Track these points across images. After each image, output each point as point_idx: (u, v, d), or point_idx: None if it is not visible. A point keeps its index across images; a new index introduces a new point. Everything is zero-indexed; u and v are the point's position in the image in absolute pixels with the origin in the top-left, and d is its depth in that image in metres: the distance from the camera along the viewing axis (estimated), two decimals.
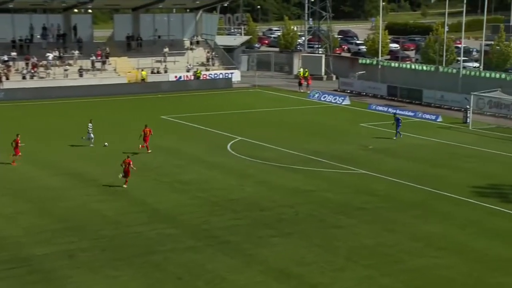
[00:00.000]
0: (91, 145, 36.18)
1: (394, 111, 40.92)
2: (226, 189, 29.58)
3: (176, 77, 61.79)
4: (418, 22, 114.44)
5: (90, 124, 36.51)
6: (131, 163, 29.23)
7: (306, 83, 59.83)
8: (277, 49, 77.68)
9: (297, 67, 66.70)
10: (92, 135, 36.24)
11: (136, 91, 57.80)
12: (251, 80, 63.84)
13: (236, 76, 64.29)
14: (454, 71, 53.08)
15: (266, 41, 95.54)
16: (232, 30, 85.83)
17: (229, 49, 69.07)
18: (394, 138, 39.47)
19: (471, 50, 74.73)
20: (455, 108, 49.87)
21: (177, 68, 62.85)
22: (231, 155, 35.91)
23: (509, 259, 21.63)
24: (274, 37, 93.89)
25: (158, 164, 33.41)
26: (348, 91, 58.76)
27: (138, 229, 24.31)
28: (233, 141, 39.11)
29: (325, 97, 55.25)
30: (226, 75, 63.65)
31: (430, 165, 33.66)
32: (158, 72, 62.04)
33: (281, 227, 24.68)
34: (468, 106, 44.97)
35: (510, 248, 22.51)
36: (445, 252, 22.22)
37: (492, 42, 58.97)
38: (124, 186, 29.13)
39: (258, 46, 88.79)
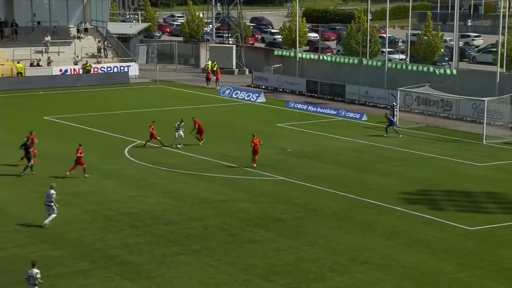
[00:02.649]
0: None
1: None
2: (124, 202, 29.36)
3: (61, 70, 60.64)
4: (339, 9, 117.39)
5: None
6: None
7: (215, 77, 60.12)
8: (181, 39, 77.43)
9: (205, 60, 66.91)
10: None
11: (11, 87, 56.18)
12: (151, 75, 63.53)
13: (133, 69, 63.82)
14: (379, 64, 54.99)
15: (168, 29, 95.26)
16: (128, 16, 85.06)
17: (125, 38, 68.42)
18: (399, 136, 41.52)
19: (396, 40, 77.57)
20: (381, 105, 51.64)
21: (62, 60, 61.61)
22: (129, 162, 35.65)
23: (439, 272, 22.70)
24: (177, 24, 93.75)
25: (41, 174, 32.70)
26: (263, 87, 59.58)
27: (16, 251, 23.73)
28: (131, 146, 38.85)
29: (237, 93, 55.76)
30: (122, 68, 63.13)
31: (353, 170, 34.76)
32: (38, 65, 60.56)
33: (188, 243, 24.80)
34: (394, 103, 46.68)
35: (440, 260, 23.63)
36: (369, 266, 23.03)
37: (419, 32, 61.36)
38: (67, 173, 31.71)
39: (158, 35, 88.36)
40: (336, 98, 54.82)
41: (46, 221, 25.86)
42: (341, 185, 32.03)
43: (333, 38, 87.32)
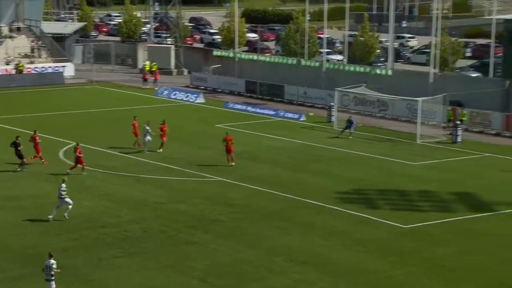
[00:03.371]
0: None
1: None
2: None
3: None
4: (277, 9, 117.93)
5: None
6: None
7: (153, 78, 59.76)
8: (118, 39, 76.56)
9: (143, 60, 66.30)
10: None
11: None
12: (87, 75, 62.62)
13: (69, 70, 62.89)
14: (317, 64, 55.52)
15: (105, 29, 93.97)
16: (63, 15, 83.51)
17: (60, 38, 67.15)
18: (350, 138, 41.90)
19: (334, 41, 78.48)
20: (319, 106, 52.15)
21: None
22: (64, 164, 35.15)
23: (375, 271, 23.09)
24: (114, 24, 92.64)
25: None
26: (202, 88, 59.43)
27: None
28: (66, 148, 38.27)
29: (175, 94, 55.48)
30: (57, 68, 62.10)
31: (292, 170, 35.03)
32: None
33: (126, 246, 24.59)
34: (332, 104, 47.22)
35: (377, 259, 24.03)
36: (307, 267, 23.25)
37: (356, 33, 62.25)
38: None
39: (95, 34, 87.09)
40: (275, 99, 55.07)
41: (65, 214, 27.01)
42: (279, 185, 32.23)
43: (272, 38, 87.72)
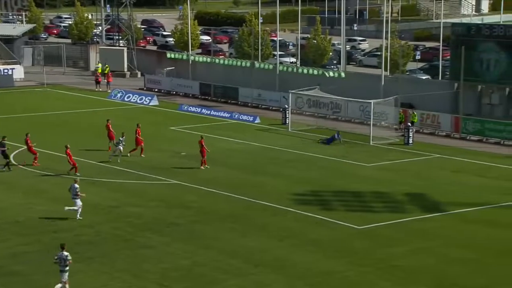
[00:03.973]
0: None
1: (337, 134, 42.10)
2: (10, 209, 28.53)
3: None
4: (230, 12, 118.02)
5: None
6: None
7: (105, 80, 59.22)
8: (69, 41, 75.47)
9: (95, 62, 65.63)
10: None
11: None
12: (38, 78, 61.68)
13: (18, 72, 61.88)
14: (271, 67, 55.74)
15: (55, 31, 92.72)
16: (11, 17, 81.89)
17: (8, 40, 65.97)
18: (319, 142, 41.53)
19: (287, 43, 78.86)
20: (274, 108, 52.37)
21: None
22: (15, 168, 34.57)
23: (331, 271, 23.35)
24: (64, 26, 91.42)
25: None
26: (156, 90, 59.06)
27: None
28: (17, 152, 37.68)
29: (129, 97, 55.07)
30: (5, 71, 60.99)
31: (247, 172, 35.15)
32: None
33: (80, 250, 24.34)
34: (286, 106, 47.50)
35: (332, 260, 24.30)
36: (263, 268, 23.39)
37: (309, 36, 62.74)
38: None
39: (45, 36, 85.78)
40: (229, 101, 55.11)
41: (78, 215, 27.52)
42: (235, 187, 32.31)
43: (225, 41, 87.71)
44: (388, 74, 52.05)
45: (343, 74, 52.65)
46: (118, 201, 30.00)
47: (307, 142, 42.45)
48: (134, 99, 54.56)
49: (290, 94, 47.55)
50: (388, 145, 42.14)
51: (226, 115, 49.73)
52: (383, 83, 48.80)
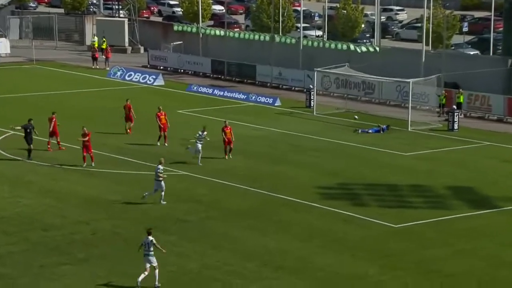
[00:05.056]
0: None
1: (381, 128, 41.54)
2: None
3: None
4: None
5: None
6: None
7: (103, 56, 59.41)
8: (61, 11, 75.70)
9: (91, 36, 65.88)
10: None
11: None
12: (26, 53, 62.17)
13: (3, 47, 62.43)
14: (294, 41, 55.70)
15: None
16: None
17: None
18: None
19: (312, 14, 78.70)
20: (296, 89, 52.35)
21: None
22: (0, 156, 34.87)
23: (362, 276, 23.36)
24: None
25: None
26: (161, 68, 59.29)
27: None
28: (2, 137, 37.95)
29: (130, 75, 55.26)
30: None
31: (266, 162, 35.20)
32: None
33: (73, 251, 24.56)
34: (311, 86, 47.46)
35: (362, 262, 24.31)
36: (283, 272, 23.44)
37: (337, 5, 62.56)
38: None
39: (34, 5, 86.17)
40: (245, 81, 55.16)
41: (161, 200, 29.02)
42: (252, 179, 32.37)
43: (241, 11, 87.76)
44: (430, 49, 51.78)
45: (377, 49, 52.44)
46: (119, 195, 30.17)
47: (335, 128, 42.35)
48: (136, 78, 54.73)
49: (316, 73, 47.53)
50: (429, 131, 41.99)
51: (242, 96, 49.76)
52: (424, 59, 48.58)
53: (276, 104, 48.06)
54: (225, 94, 50.51)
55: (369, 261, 24.36)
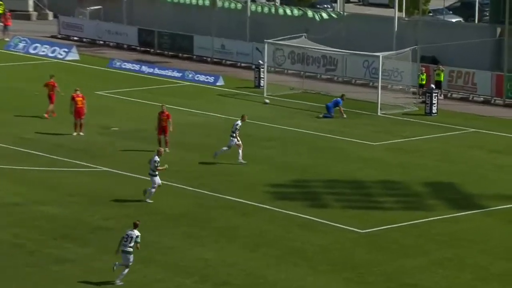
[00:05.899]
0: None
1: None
2: None
3: None
4: None
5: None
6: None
7: (1, 24, 59.01)
8: None
9: None
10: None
11: None
12: None
13: None
14: (239, 6, 55.59)
15: None
16: None
17: None
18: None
19: None
20: (243, 65, 52.38)
21: None
22: None
23: None
24: None
25: None
26: (76, 39, 58.93)
27: None
28: None
29: (36, 48, 54.93)
30: None
31: (207, 155, 35.04)
32: None
33: None
34: (261, 62, 47.43)
35: (323, 276, 24.30)
36: None
37: None
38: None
39: None
40: (180, 55, 55.03)
41: (148, 198, 29.68)
42: (190, 176, 32.29)
43: None
44: (404, 16, 52.14)
45: (340, 16, 52.58)
46: (21, 197, 29.86)
47: (290, 113, 42.41)
48: (43, 51, 54.30)
49: (266, 45, 47.46)
50: (402, 115, 42.36)
51: (177, 74, 49.62)
52: (396, 28, 48.88)
53: (218, 84, 48.00)
54: (155, 72, 50.28)
55: (332, 274, 24.44)
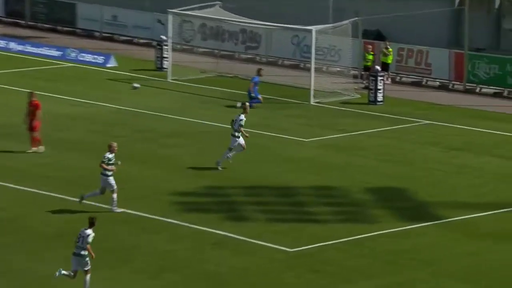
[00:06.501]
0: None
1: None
2: None
3: None
4: None
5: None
6: None
7: None
8: None
9: None
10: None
11: None
12: None
13: None
14: None
15: None
16: None
17: None
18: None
19: None
20: (142, 41, 52.53)
21: None
22: None
23: None
24: None
25: None
26: None
27: None
28: None
29: None
30: None
31: (93, 156, 34.63)
32: None
33: None
34: (164, 37, 47.37)
35: None
36: None
37: None
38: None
39: None
40: (60, 28, 54.73)
41: (114, 207, 30.24)
42: (69, 183, 32.29)
43: None
44: None
45: None
46: None
47: (201, 102, 42.57)
48: None
49: (171, 16, 47.35)
50: (341, 104, 42.80)
51: (55, 53, 49.52)
52: None
53: (109, 65, 48.00)
54: (27, 50, 50.03)
55: None
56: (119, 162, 30.14)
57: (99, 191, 30.42)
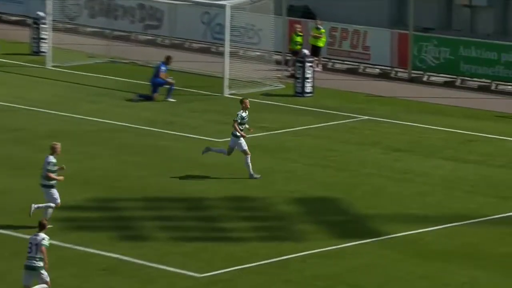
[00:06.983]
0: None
1: None
2: None
3: None
4: None
5: None
6: None
7: None
8: None
9: None
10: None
11: None
12: None
13: None
14: None
15: None
16: None
17: None
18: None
19: None
20: (13, 18, 53.66)
21: None
22: None
23: None
24: None
25: None
26: None
27: None
28: None
29: None
30: None
31: None
32: None
33: None
34: (41, 14, 47.18)
35: None
36: None
37: None
38: None
39: None
40: None
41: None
42: None
43: None
44: None
45: None
46: None
47: (89, 93, 42.47)
48: None
49: None
50: (262, 97, 42.91)
51: None
52: None
53: None
54: None
55: None
56: (64, 167, 30.29)
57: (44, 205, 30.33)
